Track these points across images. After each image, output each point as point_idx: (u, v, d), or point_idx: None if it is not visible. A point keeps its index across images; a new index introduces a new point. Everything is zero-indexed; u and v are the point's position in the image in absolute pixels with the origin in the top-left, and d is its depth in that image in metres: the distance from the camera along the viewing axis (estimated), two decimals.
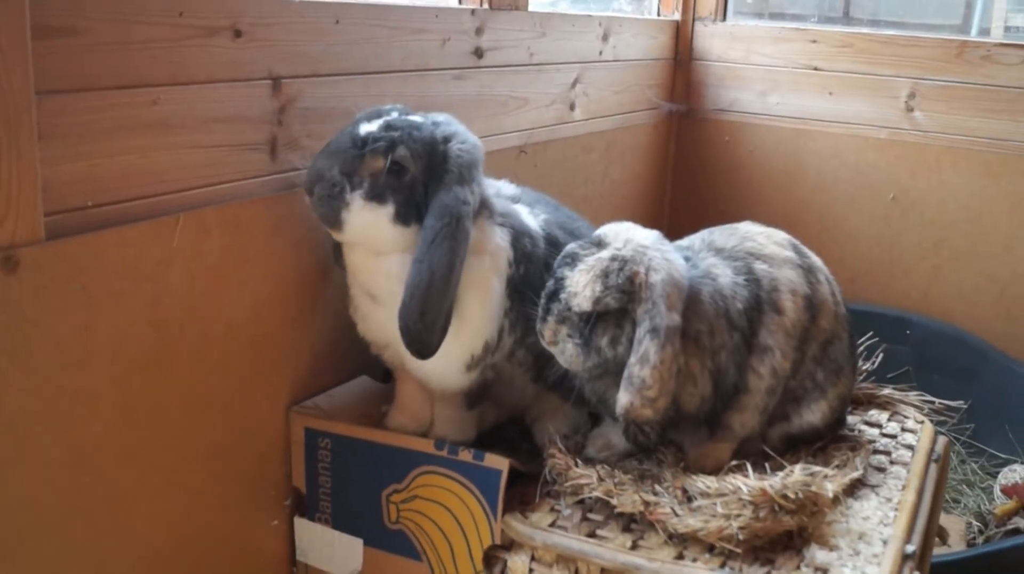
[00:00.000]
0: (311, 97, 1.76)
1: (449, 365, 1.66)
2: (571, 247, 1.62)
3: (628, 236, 1.60)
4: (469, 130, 1.67)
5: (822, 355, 1.72)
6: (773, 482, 1.50)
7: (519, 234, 1.70)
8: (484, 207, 1.66)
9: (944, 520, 2.52)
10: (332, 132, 1.79)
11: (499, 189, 1.80)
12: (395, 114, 1.63)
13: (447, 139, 1.61)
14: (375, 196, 1.57)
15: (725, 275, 1.65)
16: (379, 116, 1.61)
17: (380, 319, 1.68)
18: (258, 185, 1.68)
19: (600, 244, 1.60)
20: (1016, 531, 2.52)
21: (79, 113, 1.37)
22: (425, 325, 1.52)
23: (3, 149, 1.25)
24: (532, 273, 1.69)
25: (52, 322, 1.36)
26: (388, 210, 1.58)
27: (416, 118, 1.63)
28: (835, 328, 1.73)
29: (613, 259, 1.55)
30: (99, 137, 1.40)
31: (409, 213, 1.58)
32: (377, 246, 1.62)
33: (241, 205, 1.64)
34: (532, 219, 1.77)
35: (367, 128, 1.58)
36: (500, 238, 1.67)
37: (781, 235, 1.78)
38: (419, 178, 1.58)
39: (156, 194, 1.50)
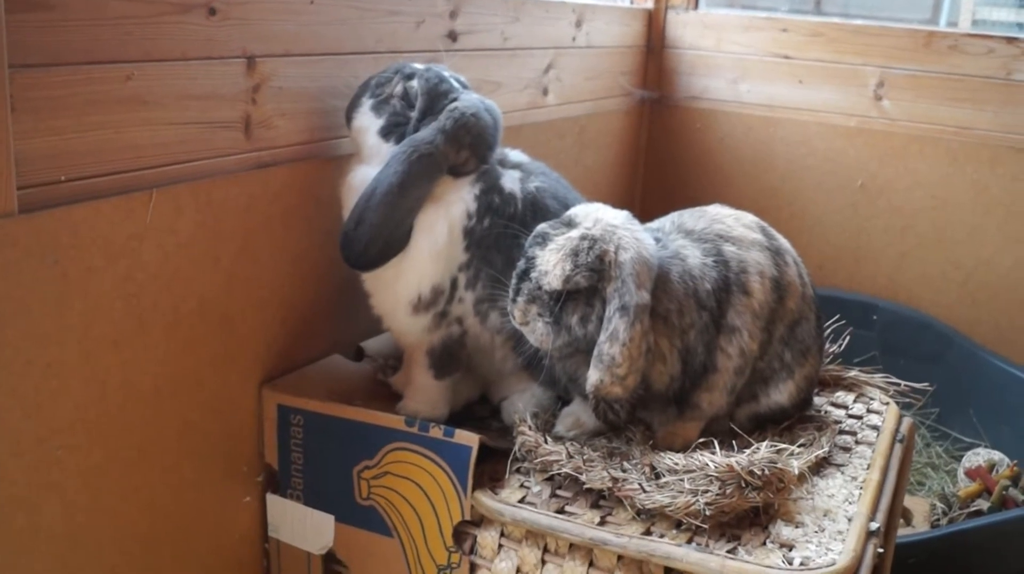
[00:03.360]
0: (285, 76, 1.76)
1: (397, 302, 1.74)
2: (541, 227, 1.63)
3: (598, 216, 1.62)
4: (497, 115, 1.79)
5: (789, 336, 1.75)
6: (740, 459, 1.53)
7: (488, 190, 1.76)
8: (473, 170, 1.75)
9: (909, 502, 2.57)
10: (306, 112, 1.82)
11: (506, 154, 1.87)
12: (447, 72, 1.80)
13: (454, 99, 1.75)
14: (376, 108, 1.76)
15: (694, 256, 1.67)
16: (437, 62, 1.83)
17: None
18: (232, 163, 1.68)
19: (570, 224, 1.61)
20: (979, 513, 2.56)
21: (53, 87, 1.36)
22: (358, 234, 1.66)
23: None
24: (496, 227, 1.73)
25: (24, 296, 1.36)
26: (379, 123, 1.75)
27: (455, 81, 1.80)
28: (802, 309, 1.76)
29: (583, 238, 1.57)
30: (73, 112, 1.39)
31: (391, 133, 1.74)
32: (363, 151, 1.77)
33: (214, 183, 1.65)
34: (516, 183, 1.80)
35: (415, 64, 1.80)
36: (464, 191, 1.74)
37: (749, 218, 1.80)
38: (416, 115, 1.74)
39: (129, 170, 1.50)
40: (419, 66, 1.80)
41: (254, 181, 1.73)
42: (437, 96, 1.75)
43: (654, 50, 3.47)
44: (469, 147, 1.72)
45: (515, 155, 1.89)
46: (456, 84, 1.79)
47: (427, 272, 1.72)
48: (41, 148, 1.36)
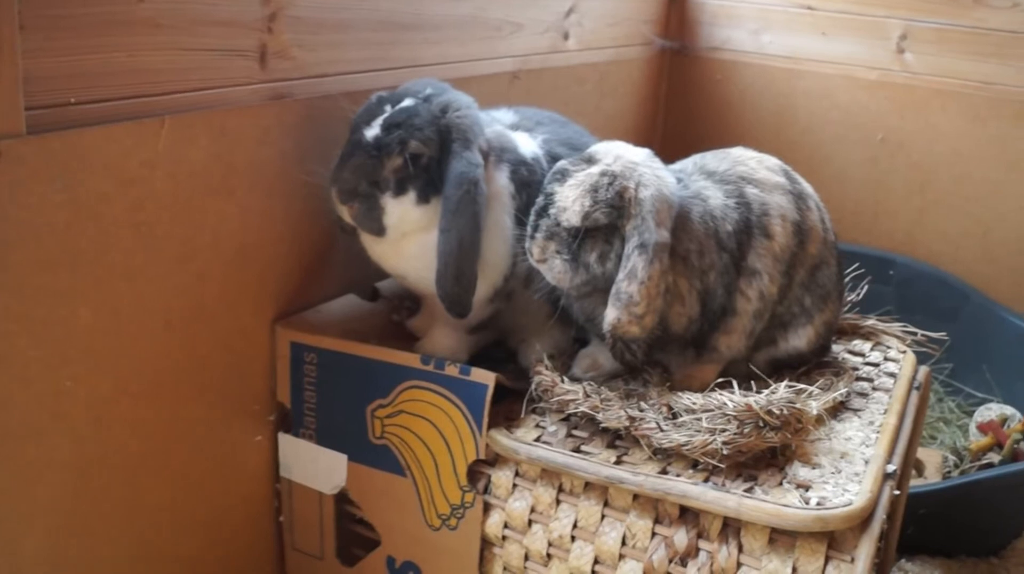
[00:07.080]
0: (302, 6, 1.72)
1: (475, 302, 1.68)
2: (561, 163, 1.61)
3: (619, 153, 1.60)
4: (456, 89, 1.72)
5: (810, 281, 1.72)
6: (758, 399, 1.51)
7: (515, 166, 1.73)
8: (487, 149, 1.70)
9: (921, 454, 2.55)
10: (322, 44, 1.79)
11: (498, 119, 1.82)
12: (387, 107, 1.65)
13: (444, 110, 1.66)
14: (400, 191, 1.63)
15: (716, 197, 1.64)
16: (374, 116, 1.64)
17: (391, 256, 1.74)
18: (246, 93, 1.65)
19: (590, 160, 1.59)
20: (990, 465, 2.55)
21: (64, 5, 1.33)
22: (462, 288, 1.62)
23: None
24: (533, 197, 1.69)
25: (32, 219, 1.34)
26: (411, 196, 1.64)
27: (407, 102, 1.65)
28: (823, 254, 1.73)
29: (603, 174, 1.54)
30: (85, 32, 1.36)
31: (428, 191, 1.64)
32: (411, 227, 1.67)
33: (228, 112, 1.61)
34: (531, 143, 1.79)
35: (372, 133, 1.63)
36: (502, 177, 1.71)
37: (773, 161, 1.77)
38: (434, 156, 1.64)
39: (141, 95, 1.47)
40: (379, 132, 1.62)
41: (269, 113, 1.70)
42: (433, 125, 1.63)
43: None
44: (478, 138, 1.67)
45: (505, 116, 1.87)
46: (417, 100, 1.66)
47: (501, 265, 1.71)
48: (51, 68, 1.33)
